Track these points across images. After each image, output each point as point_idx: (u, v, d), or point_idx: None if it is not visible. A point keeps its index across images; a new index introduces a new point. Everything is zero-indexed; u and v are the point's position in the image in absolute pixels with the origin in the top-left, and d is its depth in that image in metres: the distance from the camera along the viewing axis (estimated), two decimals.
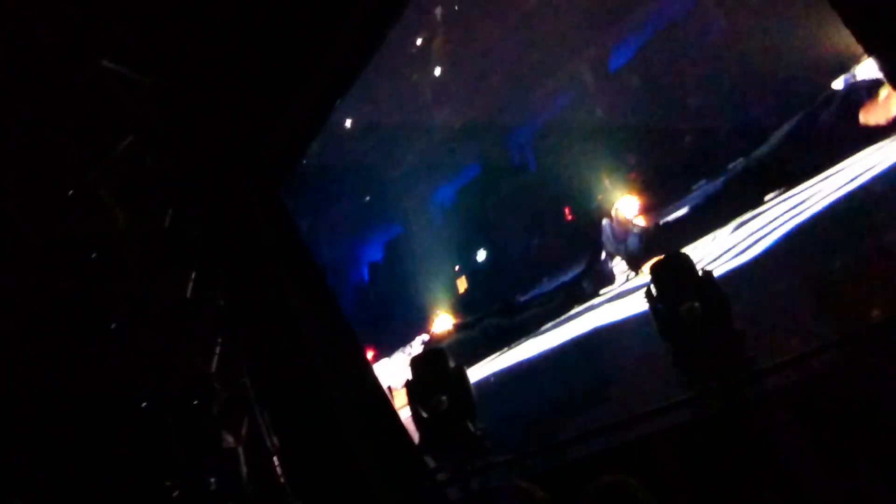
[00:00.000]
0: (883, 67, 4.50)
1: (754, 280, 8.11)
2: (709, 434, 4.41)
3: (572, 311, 12.76)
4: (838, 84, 11.23)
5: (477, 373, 11.85)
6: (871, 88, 10.41)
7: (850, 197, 8.40)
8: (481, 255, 19.39)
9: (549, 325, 12.83)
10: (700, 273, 5.38)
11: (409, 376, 6.50)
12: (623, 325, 9.69)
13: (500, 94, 19.17)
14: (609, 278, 13.43)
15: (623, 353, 8.63)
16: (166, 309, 6.54)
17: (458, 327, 15.65)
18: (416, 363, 6.60)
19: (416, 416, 6.34)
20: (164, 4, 5.73)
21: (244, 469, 5.92)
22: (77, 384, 6.11)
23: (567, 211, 16.85)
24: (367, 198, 22.73)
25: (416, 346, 16.31)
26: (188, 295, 6.67)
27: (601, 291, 13.12)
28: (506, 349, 12.88)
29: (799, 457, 3.22)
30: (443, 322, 16.60)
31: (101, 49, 6.08)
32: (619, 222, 13.19)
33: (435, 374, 6.37)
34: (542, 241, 16.95)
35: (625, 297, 11.57)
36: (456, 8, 18.92)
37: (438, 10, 18.98)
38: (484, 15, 18.41)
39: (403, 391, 6.56)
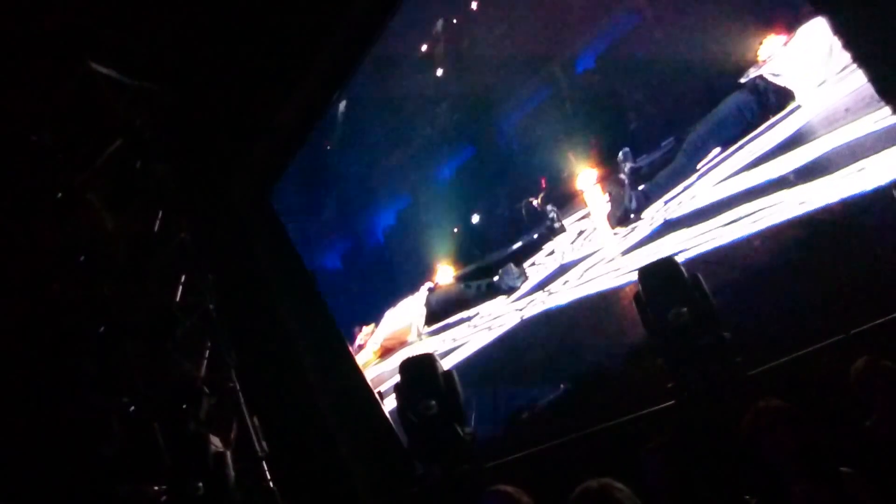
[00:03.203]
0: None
1: None
2: (695, 438, 4.44)
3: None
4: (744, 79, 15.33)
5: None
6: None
7: None
8: (475, 219, 23.78)
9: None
10: (687, 278, 5.42)
11: (399, 381, 6.50)
12: None
13: (491, 90, 23.85)
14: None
15: None
16: (155, 313, 6.52)
17: (456, 279, 19.75)
18: (405, 368, 6.59)
19: (405, 421, 6.33)
20: (154, 10, 5.74)
21: (232, 473, 5.88)
22: (65, 388, 6.08)
23: (542, 181, 21.05)
24: (382, 175, 27.35)
25: (422, 292, 19.85)
26: (177, 299, 6.65)
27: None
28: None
29: (784, 463, 3.23)
30: (444, 272, 20.65)
31: (89, 52, 6.07)
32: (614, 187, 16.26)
33: (424, 378, 6.37)
34: (522, 205, 20.84)
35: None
36: (454, 21, 23.73)
37: (439, 23, 23.80)
38: (476, 27, 23.23)
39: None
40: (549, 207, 18.62)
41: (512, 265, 17.09)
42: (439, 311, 18.72)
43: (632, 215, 15.08)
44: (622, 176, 15.60)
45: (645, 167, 16.30)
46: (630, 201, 15.31)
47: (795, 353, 4.84)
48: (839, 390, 3.81)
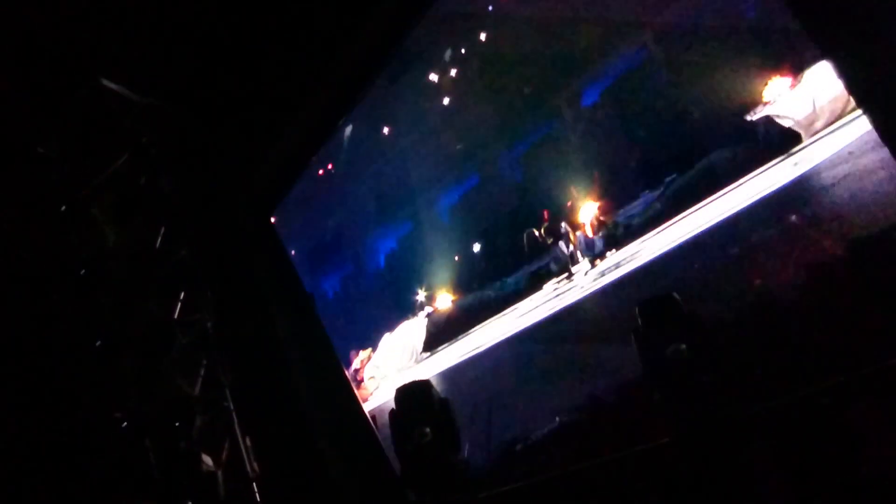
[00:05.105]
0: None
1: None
2: (690, 476, 4.40)
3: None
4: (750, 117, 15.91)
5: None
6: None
7: None
8: (476, 247, 24.21)
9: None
10: (687, 314, 5.39)
11: (394, 407, 6.46)
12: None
13: (496, 121, 24.36)
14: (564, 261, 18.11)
15: None
16: (152, 329, 6.50)
17: (455, 302, 20.74)
18: (400, 394, 6.55)
19: (398, 448, 6.28)
20: (163, 27, 5.79)
21: (222, 493, 5.83)
22: (57, 401, 6.05)
23: (545, 214, 21.15)
24: (385, 200, 28.26)
25: (420, 316, 20.51)
26: (175, 316, 6.63)
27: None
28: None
29: (777, 500, 3.21)
30: (443, 298, 21.18)
31: (100, 67, 6.12)
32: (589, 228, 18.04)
33: (419, 405, 6.32)
34: (525, 236, 21.25)
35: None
36: (462, 52, 24.44)
37: (448, 53, 24.46)
38: (484, 58, 23.82)
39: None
40: (563, 226, 19.28)
41: (560, 249, 18.43)
42: (453, 324, 19.40)
43: (605, 254, 17.20)
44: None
45: (623, 221, 17.86)
46: (594, 248, 17.42)
47: (794, 393, 4.81)
48: (838, 433, 3.78)
